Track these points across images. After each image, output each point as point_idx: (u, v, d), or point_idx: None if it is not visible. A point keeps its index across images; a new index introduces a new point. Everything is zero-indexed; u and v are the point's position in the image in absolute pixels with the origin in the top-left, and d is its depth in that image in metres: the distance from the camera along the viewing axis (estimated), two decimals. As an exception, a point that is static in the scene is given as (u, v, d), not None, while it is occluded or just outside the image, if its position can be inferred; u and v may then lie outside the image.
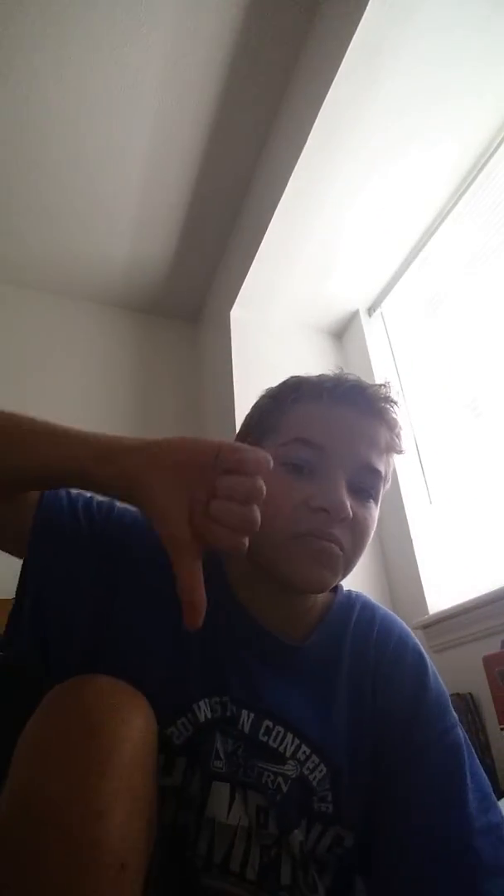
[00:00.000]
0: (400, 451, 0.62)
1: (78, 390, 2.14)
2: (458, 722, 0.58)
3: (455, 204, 1.64)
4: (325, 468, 0.55)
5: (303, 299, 1.97)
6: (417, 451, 1.75)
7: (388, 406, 0.60)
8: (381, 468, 0.58)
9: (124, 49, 1.51)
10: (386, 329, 1.99)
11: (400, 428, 0.62)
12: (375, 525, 0.59)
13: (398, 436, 0.61)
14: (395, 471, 0.64)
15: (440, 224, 1.71)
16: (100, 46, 1.50)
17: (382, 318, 2.01)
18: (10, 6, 1.41)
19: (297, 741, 0.53)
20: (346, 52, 1.28)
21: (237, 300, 1.94)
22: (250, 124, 1.73)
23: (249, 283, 1.88)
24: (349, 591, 0.67)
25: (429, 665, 0.62)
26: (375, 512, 0.59)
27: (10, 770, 0.39)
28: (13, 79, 1.56)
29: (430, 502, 1.67)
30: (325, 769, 0.53)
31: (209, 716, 0.52)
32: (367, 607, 0.65)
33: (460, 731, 0.57)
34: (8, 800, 0.37)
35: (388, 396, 0.61)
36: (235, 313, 1.97)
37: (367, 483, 0.57)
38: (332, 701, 0.57)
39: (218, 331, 2.11)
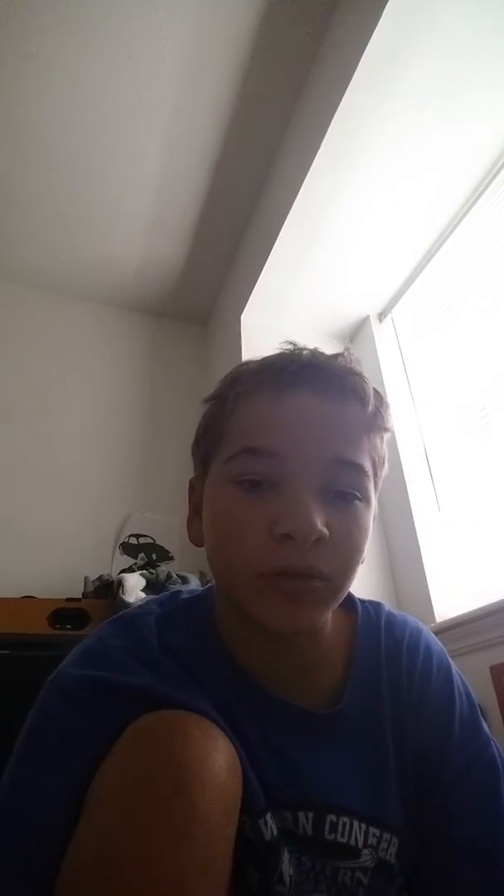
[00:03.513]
0: (386, 428, 0.50)
1: (88, 391, 2.15)
2: (490, 734, 0.53)
3: (468, 211, 1.64)
4: (286, 479, 0.44)
5: (313, 304, 1.97)
6: (426, 457, 1.74)
7: (353, 378, 0.48)
8: (361, 459, 0.46)
9: (141, 54, 1.53)
10: (396, 335, 1.98)
11: (380, 400, 0.50)
12: (369, 529, 0.47)
13: (378, 410, 0.49)
14: (389, 452, 0.53)
15: (452, 231, 1.70)
16: (116, 51, 1.52)
17: (393, 323, 2.00)
18: (27, 11, 1.42)
19: (363, 826, 0.45)
20: (360, 59, 1.28)
21: (248, 304, 1.94)
22: (264, 129, 1.74)
23: (261, 287, 1.88)
24: (366, 608, 0.58)
25: (454, 676, 0.55)
26: (366, 514, 0.47)
27: (85, 810, 0.36)
28: (30, 82, 1.58)
29: (439, 509, 1.66)
30: (396, 841, 0.46)
31: (275, 832, 0.43)
32: (391, 623, 0.57)
33: (494, 746, 0.51)
34: (81, 849, 0.34)
35: (351, 368, 0.49)
36: (246, 317, 1.97)
37: (344, 483, 0.45)
38: (384, 755, 0.49)
39: (228, 334, 2.12)
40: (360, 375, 0.49)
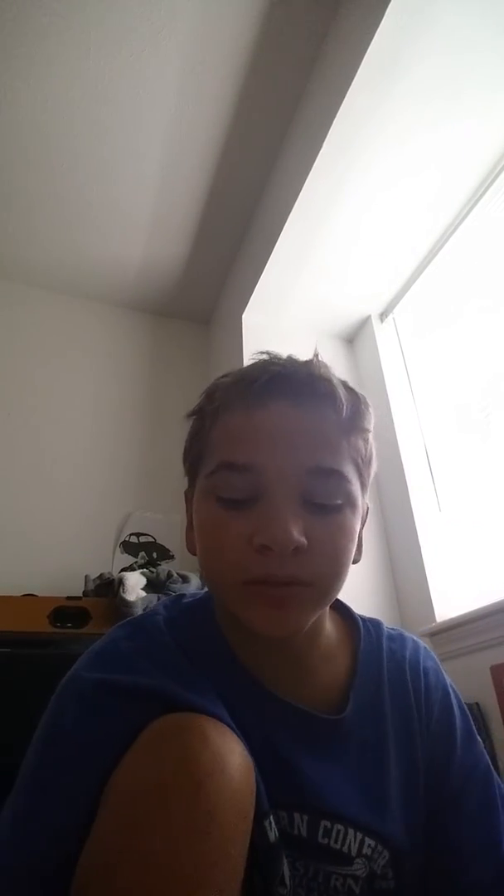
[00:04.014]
0: (366, 429, 0.50)
1: (90, 390, 2.15)
2: (481, 742, 0.54)
3: (470, 211, 1.64)
4: (264, 491, 0.45)
5: (315, 304, 1.97)
6: (427, 458, 1.74)
7: (324, 384, 0.48)
8: (340, 464, 0.46)
9: (142, 55, 1.53)
10: (398, 335, 1.98)
11: (357, 400, 0.50)
12: (354, 532, 0.48)
13: (356, 411, 0.49)
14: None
15: (454, 231, 1.70)
16: (118, 51, 1.52)
17: (394, 323, 2.00)
18: (28, 10, 1.43)
19: (359, 835, 0.46)
20: (362, 59, 1.28)
21: (250, 303, 1.94)
22: (266, 129, 1.74)
23: (262, 286, 1.89)
24: (367, 628, 0.58)
25: (450, 690, 0.56)
26: (350, 518, 0.47)
27: (102, 811, 0.37)
28: (32, 82, 1.58)
29: (440, 510, 1.66)
30: (387, 854, 0.46)
31: (276, 834, 0.44)
32: (391, 643, 0.57)
33: (485, 756, 0.53)
34: (99, 848, 0.35)
35: (321, 373, 0.49)
36: (248, 317, 1.98)
37: (323, 491, 0.45)
38: (385, 770, 0.49)
39: (230, 334, 2.12)
40: (330, 380, 0.49)
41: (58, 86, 1.60)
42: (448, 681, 0.57)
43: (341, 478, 0.46)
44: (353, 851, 0.45)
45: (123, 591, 1.31)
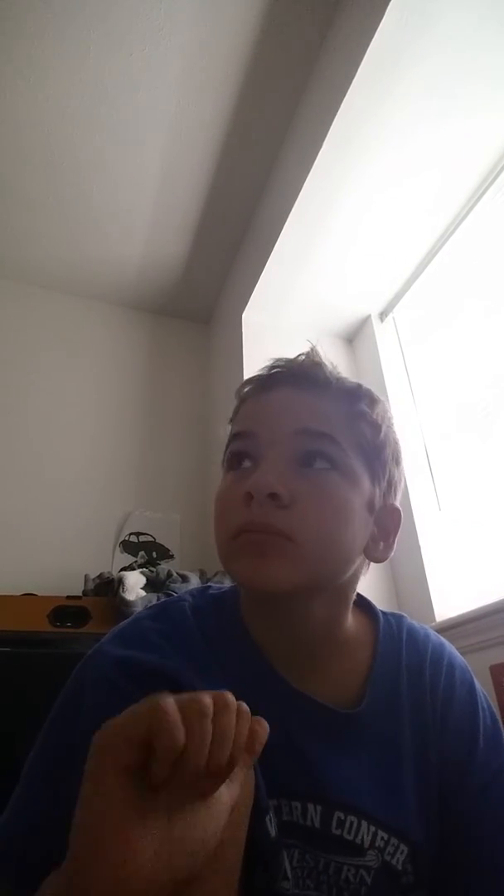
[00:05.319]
0: (364, 413, 0.53)
1: (89, 389, 2.15)
2: None
3: (471, 210, 1.64)
4: (259, 453, 0.50)
5: (315, 303, 1.97)
6: (427, 457, 1.74)
7: (317, 369, 0.55)
8: (330, 430, 0.50)
9: (142, 52, 1.53)
10: (398, 334, 1.98)
11: (357, 386, 0.55)
12: (343, 500, 0.49)
13: (353, 394, 0.54)
14: (397, 448, 0.57)
15: (455, 230, 1.70)
16: (118, 49, 1.52)
17: (394, 323, 2.00)
18: (29, 7, 1.42)
19: (372, 828, 0.47)
20: (363, 57, 1.27)
21: (249, 303, 1.94)
22: (266, 128, 1.74)
23: (262, 285, 1.88)
24: (388, 620, 0.60)
25: (478, 691, 0.57)
26: (339, 484, 0.49)
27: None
28: (33, 79, 1.58)
29: (440, 509, 1.66)
30: (405, 849, 0.47)
31: (277, 829, 0.45)
32: (413, 638, 0.58)
33: None
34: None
35: (314, 360, 0.56)
36: (248, 316, 1.97)
37: (309, 447, 0.49)
38: (400, 764, 0.50)
39: (230, 333, 2.12)
40: (320, 364, 0.56)
41: (57, 85, 1.60)
42: (476, 681, 0.58)
43: (331, 441, 0.50)
44: (366, 843, 0.46)
45: (123, 591, 1.31)
